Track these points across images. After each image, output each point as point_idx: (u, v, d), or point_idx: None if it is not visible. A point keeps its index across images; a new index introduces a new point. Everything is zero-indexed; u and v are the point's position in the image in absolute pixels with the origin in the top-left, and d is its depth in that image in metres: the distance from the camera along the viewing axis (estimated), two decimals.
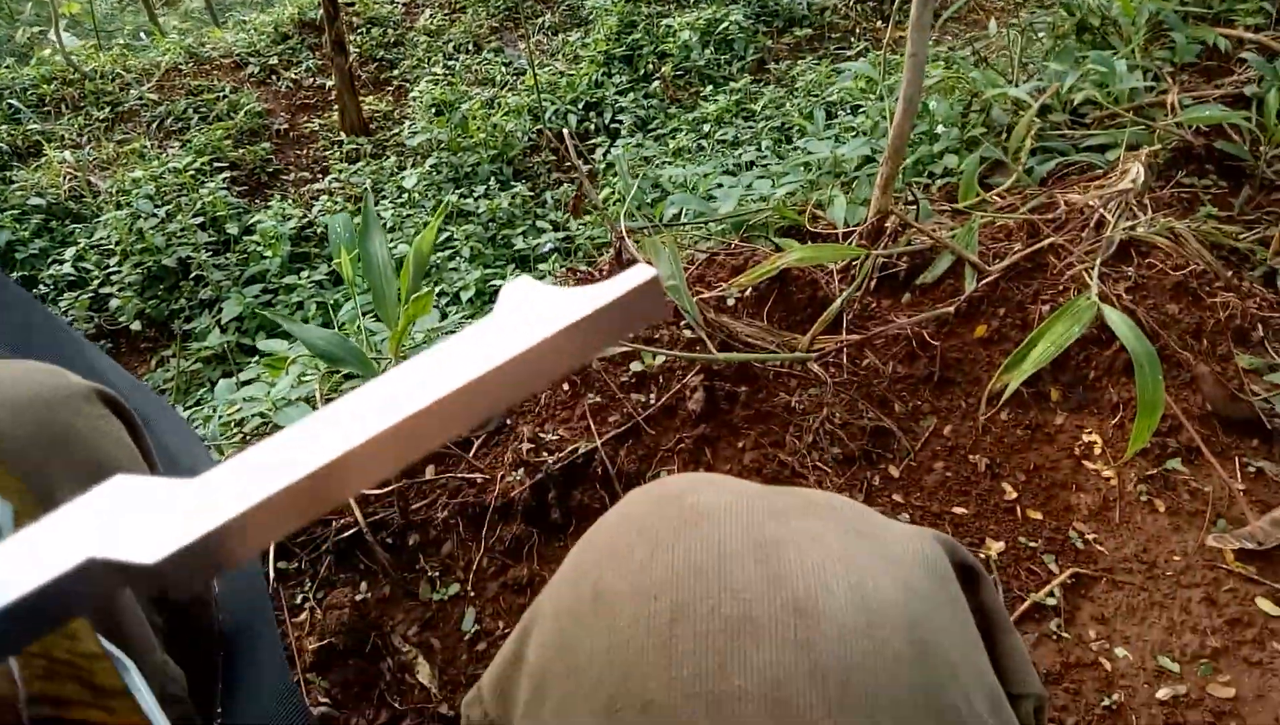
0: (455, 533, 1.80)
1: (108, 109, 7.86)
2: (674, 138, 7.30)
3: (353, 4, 9.53)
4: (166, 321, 6.07)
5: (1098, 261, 2.19)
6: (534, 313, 0.29)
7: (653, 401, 2.00)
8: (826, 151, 2.94)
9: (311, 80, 8.61)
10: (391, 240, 6.37)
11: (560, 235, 6.48)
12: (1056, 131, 2.81)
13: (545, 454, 1.86)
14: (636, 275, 0.29)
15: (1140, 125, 2.63)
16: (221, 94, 8.09)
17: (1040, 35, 3.41)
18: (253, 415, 1.89)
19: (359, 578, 1.74)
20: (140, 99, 7.94)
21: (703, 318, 2.02)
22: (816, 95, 7.69)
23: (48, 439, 0.70)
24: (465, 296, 5.80)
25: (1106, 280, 2.18)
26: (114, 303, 5.87)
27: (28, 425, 0.69)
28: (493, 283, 5.97)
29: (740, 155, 7.01)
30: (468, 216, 6.62)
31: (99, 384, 0.80)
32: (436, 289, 5.99)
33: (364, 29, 9.29)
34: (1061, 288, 2.19)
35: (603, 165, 7.40)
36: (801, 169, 3.13)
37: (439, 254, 6.17)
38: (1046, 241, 2.25)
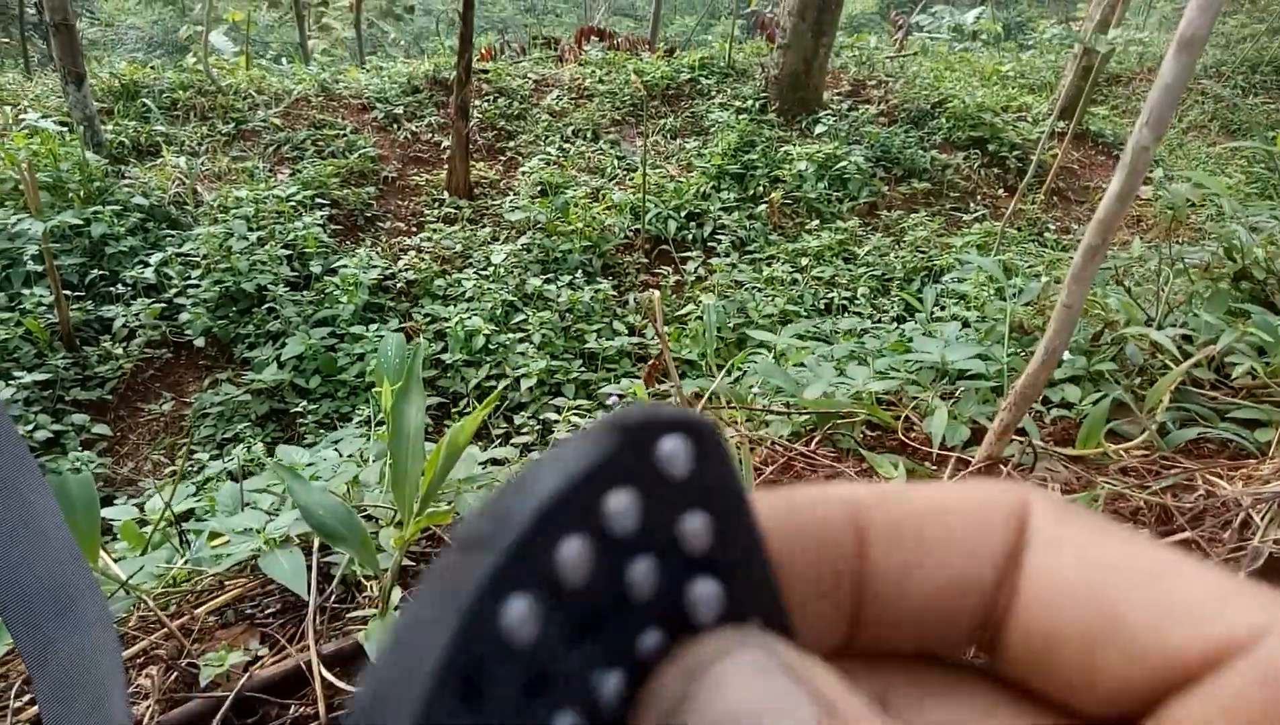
0: None
1: (232, 125, 8.10)
2: (770, 265, 7.14)
3: (486, 72, 9.77)
4: (230, 344, 6.04)
5: (1240, 577, 1.86)
6: None
7: None
8: (935, 354, 2.68)
9: (430, 135, 8.76)
10: (467, 310, 6.28)
11: (634, 340, 6.31)
12: (1199, 391, 2.50)
13: None
14: None
15: None
16: (342, 132, 8.28)
17: (1189, 268, 3.12)
18: (243, 550, 1.66)
19: None
20: (264, 121, 8.17)
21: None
22: (924, 252, 7.48)
23: None
24: (526, 384, 5.63)
25: None
26: (184, 316, 5.87)
27: None
28: (556, 376, 5.80)
29: (833, 297, 6.80)
30: (547, 302, 6.51)
31: None
32: (498, 372, 5.84)
33: (491, 96, 9.49)
34: None
35: (692, 277, 7.27)
36: (901, 362, 2.87)
37: (509, 336, 6.04)
38: (1180, 537, 1.92)
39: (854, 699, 0.18)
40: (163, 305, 5.92)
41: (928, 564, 0.20)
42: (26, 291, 5.62)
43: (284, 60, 10.91)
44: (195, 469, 4.57)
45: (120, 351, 5.64)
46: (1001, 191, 8.99)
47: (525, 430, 5.14)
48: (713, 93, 10.07)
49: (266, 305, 6.10)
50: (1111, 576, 0.19)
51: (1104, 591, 0.19)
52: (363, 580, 1.72)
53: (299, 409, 5.45)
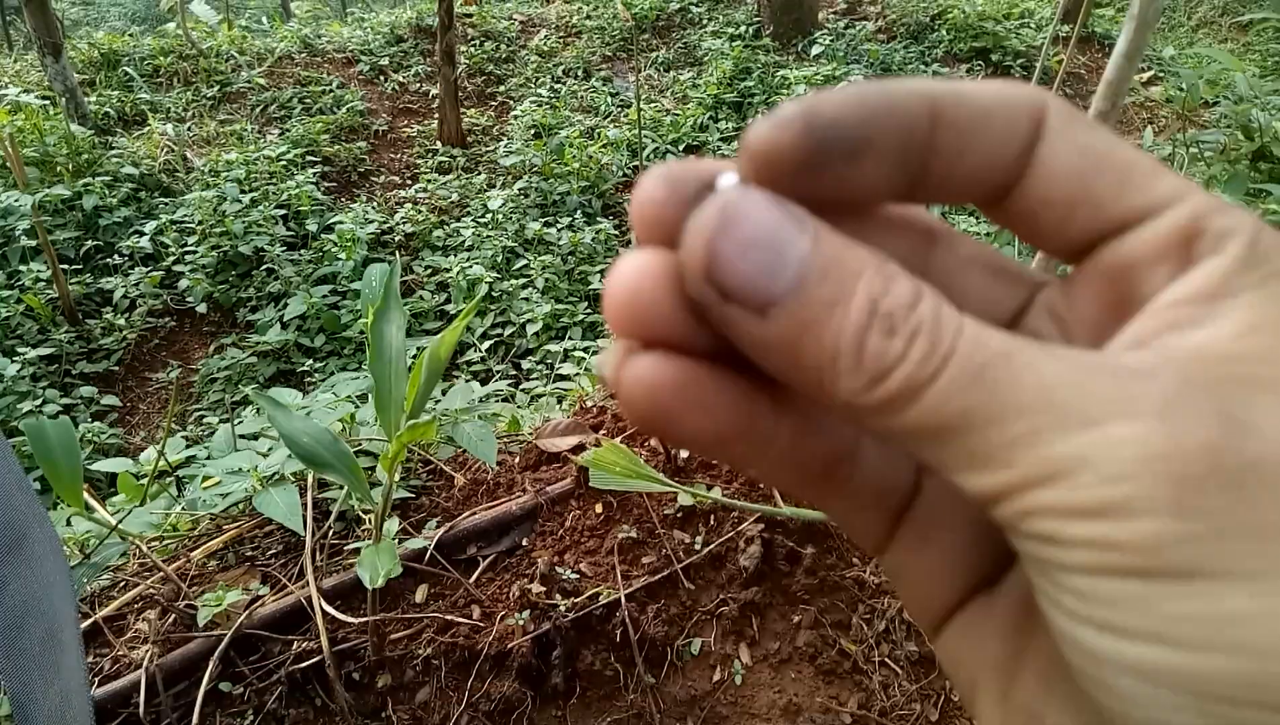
0: (435, 678, 1.49)
1: (216, 88, 7.95)
2: None
3: (470, 16, 9.52)
4: (232, 309, 5.99)
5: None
6: None
7: (698, 547, 1.67)
8: None
9: (418, 85, 8.58)
10: (467, 259, 6.20)
11: None
12: None
13: (558, 597, 1.55)
14: None
15: None
16: (328, 88, 8.11)
17: (1206, 153, 2.99)
18: (237, 490, 1.62)
19: (313, 717, 1.45)
20: (249, 82, 8.01)
21: None
22: None
23: None
24: (531, 330, 5.57)
25: None
26: (184, 283, 5.82)
27: None
28: (562, 320, 5.73)
29: None
30: (548, 246, 6.42)
31: None
32: (503, 319, 5.78)
33: (478, 41, 9.26)
34: None
35: None
36: None
37: (512, 282, 5.96)
38: None
39: (833, 233, 0.22)
40: (162, 273, 5.87)
41: (975, 146, 0.24)
42: (24, 267, 5.57)
43: (264, 19, 10.67)
44: (208, 434, 4.55)
45: (123, 322, 5.61)
46: None
47: (534, 376, 5.09)
48: (704, 21, 9.79)
49: (265, 267, 6.03)
50: (1097, 161, 0.24)
51: (1088, 170, 0.24)
52: (361, 515, 1.68)
53: (305, 368, 5.42)
